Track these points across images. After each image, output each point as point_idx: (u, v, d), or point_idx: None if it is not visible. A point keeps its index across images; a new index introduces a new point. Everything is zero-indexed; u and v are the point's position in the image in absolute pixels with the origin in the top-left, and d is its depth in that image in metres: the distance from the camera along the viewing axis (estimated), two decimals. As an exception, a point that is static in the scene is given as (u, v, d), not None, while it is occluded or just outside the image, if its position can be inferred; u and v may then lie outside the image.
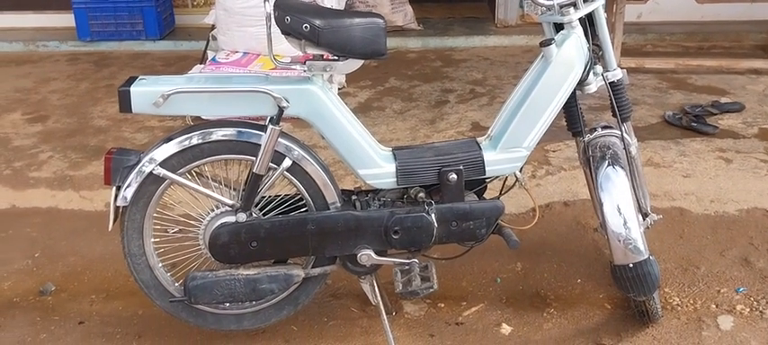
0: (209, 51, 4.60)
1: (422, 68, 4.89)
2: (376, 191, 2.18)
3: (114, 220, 2.05)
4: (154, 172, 2.00)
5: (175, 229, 2.23)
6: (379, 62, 4.76)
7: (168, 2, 5.71)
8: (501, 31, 5.51)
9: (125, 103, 1.94)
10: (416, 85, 4.53)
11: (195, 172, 2.09)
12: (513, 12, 5.59)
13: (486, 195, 2.23)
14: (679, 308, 2.38)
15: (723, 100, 4.00)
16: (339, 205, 2.12)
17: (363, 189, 2.23)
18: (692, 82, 4.37)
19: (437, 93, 4.36)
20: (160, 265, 2.15)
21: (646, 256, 2.09)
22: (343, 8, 4.64)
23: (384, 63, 4.80)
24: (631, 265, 2.09)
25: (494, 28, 5.60)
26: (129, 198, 2.01)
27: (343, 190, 2.19)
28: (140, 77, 2.00)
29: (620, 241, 2.09)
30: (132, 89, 1.94)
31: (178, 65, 5.04)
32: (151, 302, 2.18)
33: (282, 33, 1.99)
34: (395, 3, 5.49)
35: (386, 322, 2.19)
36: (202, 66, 4.30)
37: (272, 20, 1.97)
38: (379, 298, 2.21)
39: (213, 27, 4.61)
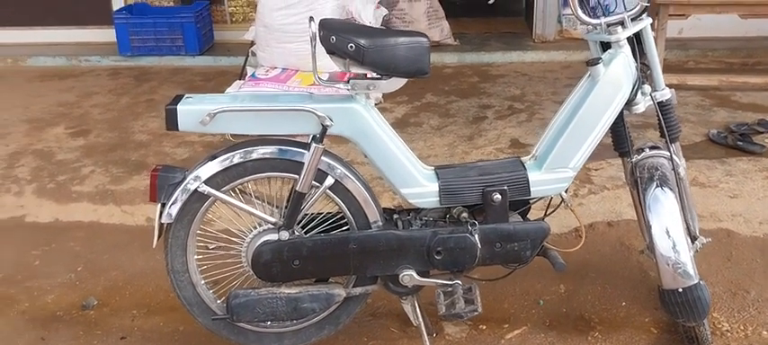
0: (248, 67, 4.63)
1: (459, 84, 4.86)
2: (418, 210, 2.16)
3: (158, 237, 2.06)
4: (199, 189, 2.01)
5: (214, 246, 2.24)
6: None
7: (208, 18, 5.78)
8: (539, 47, 5.46)
9: (172, 121, 1.96)
10: (453, 101, 4.51)
11: (238, 189, 2.10)
12: (551, 27, 5.54)
13: (529, 216, 2.20)
14: (729, 334, 2.31)
15: (769, 118, 3.91)
16: (381, 224, 2.11)
17: (404, 207, 2.21)
18: (737, 99, 4.28)
19: (475, 109, 4.34)
20: (203, 282, 2.15)
21: (696, 281, 2.04)
22: (380, 24, 4.64)
23: (420, 79, 4.79)
24: (681, 290, 2.03)
25: (531, 43, 5.55)
26: (173, 215, 2.02)
27: (384, 209, 2.18)
28: (186, 96, 2.02)
29: (669, 265, 2.04)
30: (179, 107, 1.95)
31: (217, 80, 5.09)
32: (193, 319, 2.18)
33: (327, 53, 2.00)
34: (431, 18, 5.49)
35: (427, 343, 2.16)
36: (242, 81, 4.33)
37: (317, 39, 1.97)
38: (420, 319, 2.19)
39: (252, 43, 4.64)
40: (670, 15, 4.13)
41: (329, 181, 2.05)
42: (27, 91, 5.07)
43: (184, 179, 2.03)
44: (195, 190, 2.01)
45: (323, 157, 2.02)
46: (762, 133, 3.71)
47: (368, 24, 4.26)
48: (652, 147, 2.21)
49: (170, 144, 3.99)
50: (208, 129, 1.98)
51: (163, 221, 2.03)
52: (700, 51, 5.16)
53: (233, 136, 2.47)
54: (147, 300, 2.64)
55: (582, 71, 2.16)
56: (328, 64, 2.05)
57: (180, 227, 2.06)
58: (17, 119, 4.48)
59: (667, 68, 4.55)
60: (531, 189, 2.09)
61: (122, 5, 5.90)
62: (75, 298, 2.66)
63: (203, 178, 2.02)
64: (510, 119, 4.14)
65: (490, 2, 2.27)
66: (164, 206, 2.03)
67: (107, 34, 5.81)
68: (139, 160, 3.80)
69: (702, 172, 3.32)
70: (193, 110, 1.96)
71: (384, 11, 4.69)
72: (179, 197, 2.01)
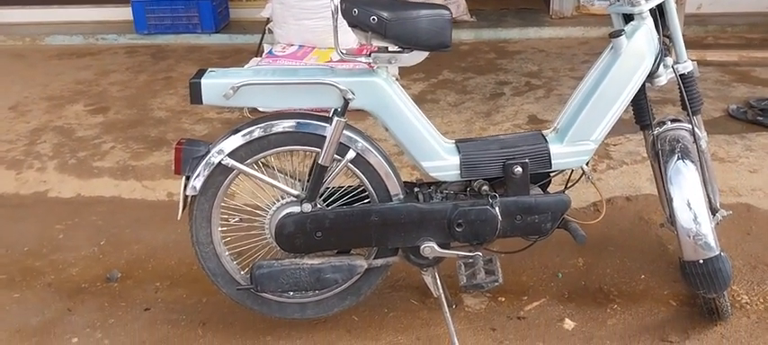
0: (265, 44, 4.65)
1: (475, 60, 4.85)
2: (438, 184, 2.18)
3: (183, 209, 2.09)
4: (222, 162, 2.03)
5: (237, 218, 2.26)
6: (434, 53, 4.74)
7: (223, -5, 5.79)
8: (556, 23, 5.43)
9: (196, 95, 1.97)
10: (470, 77, 4.50)
11: (262, 162, 2.12)
12: (568, 3, 5.51)
13: (549, 189, 2.20)
14: (748, 306, 2.31)
15: (790, 93, 3.88)
16: (402, 197, 2.13)
17: (425, 181, 2.23)
18: (756, 74, 4.24)
19: (492, 86, 4.33)
20: (227, 254, 2.18)
21: (717, 252, 2.04)
22: (396, 0, 4.63)
23: (437, 55, 4.77)
24: (702, 261, 2.04)
25: (548, 19, 5.52)
26: (198, 187, 2.04)
27: (405, 183, 2.19)
28: (210, 70, 2.04)
29: (690, 236, 2.05)
30: (203, 81, 1.97)
31: (233, 57, 5.11)
32: (217, 290, 2.22)
33: (349, 26, 2.01)
34: (447, -6, 5.46)
35: (448, 314, 2.19)
36: (259, 58, 4.35)
37: (339, 12, 1.98)
38: (440, 291, 2.21)
39: (269, 20, 4.65)
40: (689, -10, 4.10)
41: (351, 154, 2.06)
42: (45, 69, 5.11)
43: (208, 152, 2.05)
44: (219, 163, 2.04)
45: (344, 131, 2.04)
46: (782, 108, 3.68)
47: None
48: (673, 120, 2.21)
49: (189, 120, 4.02)
50: (230, 103, 2.00)
51: (187, 193, 2.06)
52: (719, 27, 5.12)
53: (251, 112, 2.49)
54: (169, 272, 2.68)
55: (599, 47, 2.16)
56: (345, 40, 2.05)
57: (204, 200, 2.09)
58: (37, 97, 4.52)
59: (686, 44, 4.50)
60: (553, 161, 2.10)
61: (139, -16, 5.91)
62: (99, 271, 2.71)
63: (226, 151, 2.04)
64: (527, 96, 4.13)
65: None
66: (188, 178, 2.05)
67: (124, 13, 5.84)
68: (159, 136, 3.83)
69: (722, 147, 3.31)
70: (217, 84, 1.97)
71: (401, -14, 4.67)
72: (203, 170, 2.04)
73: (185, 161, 2.05)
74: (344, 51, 2.04)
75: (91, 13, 6.10)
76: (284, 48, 4.36)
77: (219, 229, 2.15)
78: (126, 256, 2.80)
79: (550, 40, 5.19)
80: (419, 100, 4.14)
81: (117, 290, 2.60)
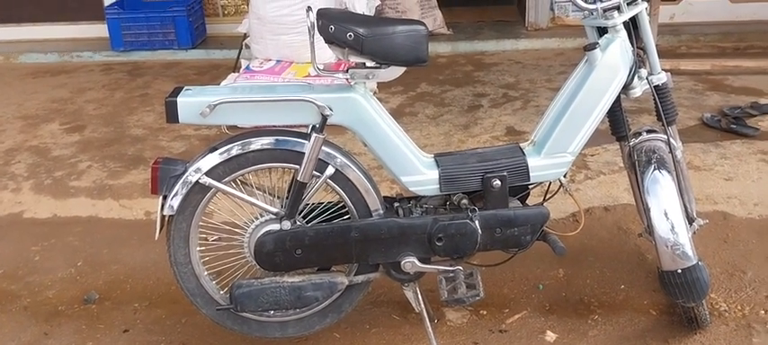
0: (242, 59, 4.63)
1: (453, 73, 4.87)
2: (418, 198, 2.18)
3: (160, 229, 2.07)
4: (200, 181, 2.01)
5: (215, 237, 2.24)
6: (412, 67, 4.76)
7: (200, 11, 5.76)
8: (532, 35, 5.47)
9: (172, 114, 1.96)
10: (448, 90, 4.52)
11: (239, 180, 2.10)
12: (543, 15, 5.55)
13: (528, 201, 2.21)
14: (727, 314, 2.34)
15: (762, 101, 3.93)
16: (382, 212, 2.12)
17: (404, 195, 2.23)
18: (729, 83, 4.30)
19: (470, 98, 4.35)
20: (206, 274, 2.16)
21: (694, 261, 2.06)
22: (373, 14, 4.64)
23: (415, 68, 4.79)
24: (680, 271, 2.06)
25: (524, 31, 5.56)
26: (175, 207, 2.02)
27: (384, 198, 2.19)
28: (186, 88, 2.02)
29: (667, 246, 2.06)
30: (179, 99, 1.96)
31: (210, 73, 5.08)
32: (197, 310, 2.19)
33: (326, 42, 2.00)
34: (424, 8, 5.49)
35: (430, 329, 2.18)
36: (236, 74, 4.33)
37: (316, 29, 1.98)
38: (422, 306, 2.20)
39: (246, 36, 4.64)
40: (662, 1, 4.16)
41: (330, 170, 2.05)
42: (20, 88, 5.05)
43: (185, 171, 2.03)
44: (196, 182, 2.02)
45: (323, 147, 2.03)
46: (755, 116, 3.74)
47: (370, 15, 4.27)
48: (649, 131, 2.24)
49: (166, 138, 3.98)
50: (207, 121, 1.98)
51: (165, 213, 2.04)
52: (692, 36, 5.19)
53: (229, 129, 2.47)
54: (148, 293, 2.65)
55: (575, 58, 2.18)
56: (323, 55, 2.05)
57: (182, 219, 2.07)
58: (11, 116, 4.46)
59: (660, 54, 4.50)
60: (531, 174, 2.11)
61: (114, 0, 5.87)
62: (76, 293, 2.67)
63: (204, 169, 2.02)
64: (505, 107, 4.15)
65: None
66: (165, 198, 2.03)
67: (99, 29, 5.78)
68: (136, 154, 3.80)
69: (697, 155, 3.35)
70: (193, 102, 1.96)
71: (377, 1, 4.69)
72: (180, 189, 2.02)
73: (162, 180, 2.03)
74: (321, 67, 2.04)
75: (66, 31, 6.03)
76: (262, 63, 4.34)
77: (198, 249, 2.13)
78: (104, 277, 2.77)
79: (527, 52, 5.23)
80: (398, 113, 4.15)
81: (95, 312, 2.56)
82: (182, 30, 5.51)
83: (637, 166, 2.15)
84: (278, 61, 4.32)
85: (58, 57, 5.70)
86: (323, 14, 1.99)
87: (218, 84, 4.28)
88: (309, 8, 2.01)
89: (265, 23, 4.29)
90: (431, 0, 5.53)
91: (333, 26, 1.94)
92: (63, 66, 5.57)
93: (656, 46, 2.19)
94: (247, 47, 4.63)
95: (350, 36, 1.92)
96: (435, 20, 5.54)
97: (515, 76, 4.69)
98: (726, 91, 4.17)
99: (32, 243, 3.01)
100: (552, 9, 5.56)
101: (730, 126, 3.60)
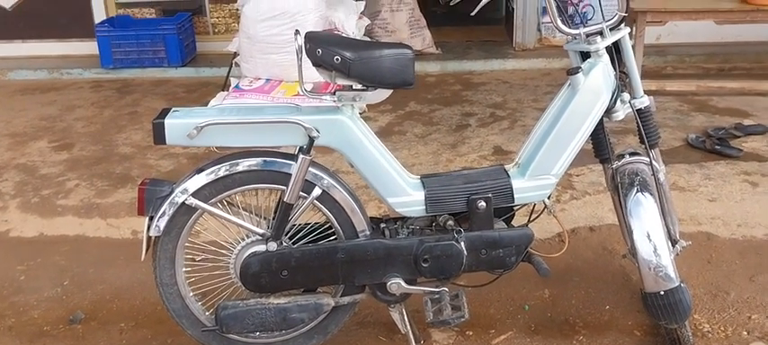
0: (231, 78, 4.65)
1: (441, 92, 4.91)
2: (404, 219, 2.19)
3: (147, 250, 2.07)
4: (186, 202, 2.02)
5: (201, 257, 2.25)
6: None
7: (190, 29, 5.78)
8: (519, 55, 5.53)
9: (159, 136, 1.97)
10: (436, 109, 4.55)
11: (226, 201, 2.11)
12: (531, 35, 5.61)
13: (513, 222, 2.23)
14: (710, 335, 2.36)
15: (746, 122, 3.99)
16: (368, 233, 2.14)
17: (391, 216, 2.24)
18: (714, 104, 4.36)
19: (458, 117, 4.38)
20: (191, 294, 2.16)
21: (677, 283, 2.08)
22: (362, 35, 4.68)
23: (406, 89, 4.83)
24: (662, 292, 2.08)
25: (512, 51, 5.62)
26: (161, 228, 2.03)
27: (371, 218, 2.20)
28: (173, 109, 2.03)
29: (650, 268, 2.08)
30: (166, 121, 1.97)
31: (200, 91, 5.10)
32: (182, 331, 2.19)
33: (313, 65, 2.02)
34: (413, 28, 5.53)
35: (415, 350, 2.19)
36: (226, 92, 4.35)
37: (303, 52, 2.00)
38: (408, 327, 2.21)
39: (236, 54, 4.66)
40: (648, 22, 4.21)
41: (316, 191, 2.07)
42: (8, 105, 5.04)
43: (172, 192, 2.04)
44: (183, 203, 2.03)
45: (310, 168, 2.05)
46: (739, 137, 3.79)
47: (351, 35, 4.31)
48: (632, 153, 2.26)
49: (154, 156, 3.99)
50: (195, 143, 1.99)
51: (151, 234, 2.04)
52: (677, 57, 5.25)
53: (218, 148, 2.48)
54: (134, 313, 2.64)
55: (561, 78, 2.21)
56: (312, 75, 2.08)
57: (168, 240, 2.07)
58: (-1, 134, 4.46)
59: (646, 74, 4.65)
60: (515, 196, 2.13)
61: (104, 18, 5.88)
62: (62, 313, 2.66)
63: (191, 190, 2.03)
64: (492, 127, 4.18)
65: (473, 13, 2.30)
66: (152, 219, 2.04)
67: (89, 47, 5.79)
68: (124, 173, 3.80)
69: (682, 176, 3.39)
70: (181, 124, 1.97)
71: (366, 21, 4.74)
72: (167, 210, 2.03)
73: (149, 201, 2.04)
74: (309, 89, 2.05)
75: (55, 48, 6.04)
76: (251, 81, 4.37)
77: (184, 269, 2.13)
78: (90, 297, 2.76)
79: (514, 72, 5.28)
80: (386, 131, 4.17)
81: (80, 332, 2.55)
82: (172, 49, 5.52)
83: (620, 188, 2.17)
84: (267, 80, 4.34)
85: (47, 74, 5.69)
86: (311, 38, 2.01)
87: (207, 103, 4.31)
88: (297, 31, 2.03)
89: (255, 43, 4.32)
90: (420, 20, 5.58)
91: (320, 49, 1.96)
92: (52, 83, 5.56)
93: (643, 66, 2.23)
94: (237, 65, 4.65)
95: (337, 59, 1.94)
96: (424, 39, 5.59)
97: (503, 96, 4.73)
98: (710, 112, 4.23)
99: (18, 263, 3.00)
100: (539, 30, 5.63)
101: (715, 147, 3.64)
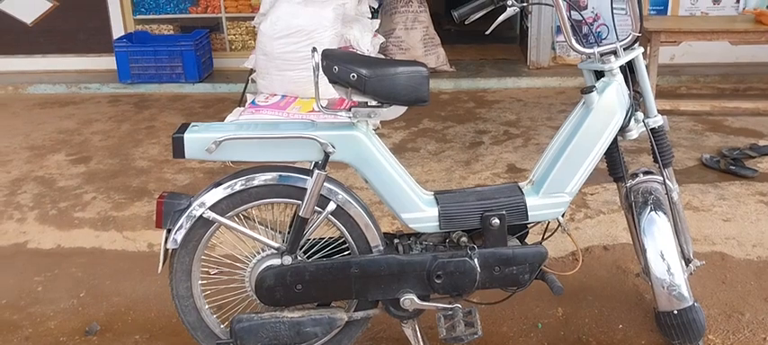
0: (248, 94, 4.70)
1: (455, 109, 4.93)
2: (418, 235, 2.21)
3: (164, 262, 2.10)
4: (204, 215, 2.05)
5: (216, 271, 2.27)
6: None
7: (207, 46, 5.86)
8: (533, 73, 5.55)
9: (179, 150, 2.00)
10: (450, 126, 4.57)
11: (242, 215, 2.14)
12: (545, 53, 5.64)
13: (527, 240, 2.24)
14: (724, 356, 2.35)
15: (761, 142, 3.98)
16: (382, 248, 2.15)
17: (404, 232, 2.26)
18: (728, 124, 4.35)
19: (471, 135, 4.40)
20: (207, 307, 2.19)
21: (690, 303, 2.08)
22: (377, 52, 4.72)
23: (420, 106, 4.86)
24: (676, 312, 2.08)
25: (526, 69, 5.64)
26: (179, 240, 2.06)
27: (384, 234, 2.22)
28: (193, 124, 2.07)
29: (664, 287, 2.08)
30: (186, 136, 2.00)
31: (216, 106, 5.15)
32: (197, 343, 2.21)
33: (330, 82, 2.05)
34: (428, 45, 5.58)
35: (428, 366, 2.19)
36: (242, 108, 4.39)
37: (320, 69, 2.03)
38: (421, 343, 2.22)
39: (252, 71, 4.72)
40: (662, 42, 4.22)
41: (331, 206, 2.09)
42: (28, 118, 5.12)
43: (190, 205, 2.07)
44: (200, 216, 2.05)
45: (325, 183, 2.07)
46: (753, 157, 3.78)
47: (366, 52, 4.35)
48: (646, 172, 2.27)
49: (171, 170, 4.03)
50: (213, 157, 2.02)
51: (168, 246, 2.07)
52: (692, 77, 5.25)
53: (233, 163, 2.52)
54: (149, 325, 2.66)
55: (576, 97, 2.22)
56: (327, 91, 2.11)
57: (185, 253, 2.10)
58: (18, 147, 4.52)
59: (660, 94, 4.66)
60: (529, 213, 2.14)
61: (122, 34, 5.97)
62: (78, 324, 2.69)
63: (208, 204, 2.06)
64: (506, 145, 4.20)
65: (487, 32, 2.33)
66: (169, 231, 2.06)
67: (107, 62, 5.89)
68: (141, 186, 3.84)
69: (696, 196, 3.38)
70: (200, 139, 2.00)
71: (381, 39, 4.78)
72: (184, 223, 2.05)
73: (167, 214, 2.07)
74: (325, 105, 2.08)
75: (74, 63, 6.14)
76: (267, 98, 4.41)
77: (200, 282, 2.15)
78: (105, 308, 2.78)
79: (528, 90, 5.29)
80: (400, 148, 4.20)
81: (96, 344, 2.58)
82: (189, 64, 5.60)
83: (633, 207, 2.18)
84: (283, 96, 4.39)
85: (65, 88, 5.79)
86: (327, 55, 2.04)
87: (224, 118, 4.35)
88: (315, 49, 2.06)
89: (272, 59, 4.37)
90: (434, 38, 5.62)
91: (337, 67, 1.99)
92: (71, 97, 5.65)
93: (657, 86, 2.24)
94: (253, 81, 4.70)
95: (353, 76, 1.97)
96: (438, 57, 5.63)
97: (517, 114, 4.74)
98: (725, 132, 4.22)
99: (35, 274, 3.04)
100: (554, 48, 5.65)
101: (729, 167, 3.63)
